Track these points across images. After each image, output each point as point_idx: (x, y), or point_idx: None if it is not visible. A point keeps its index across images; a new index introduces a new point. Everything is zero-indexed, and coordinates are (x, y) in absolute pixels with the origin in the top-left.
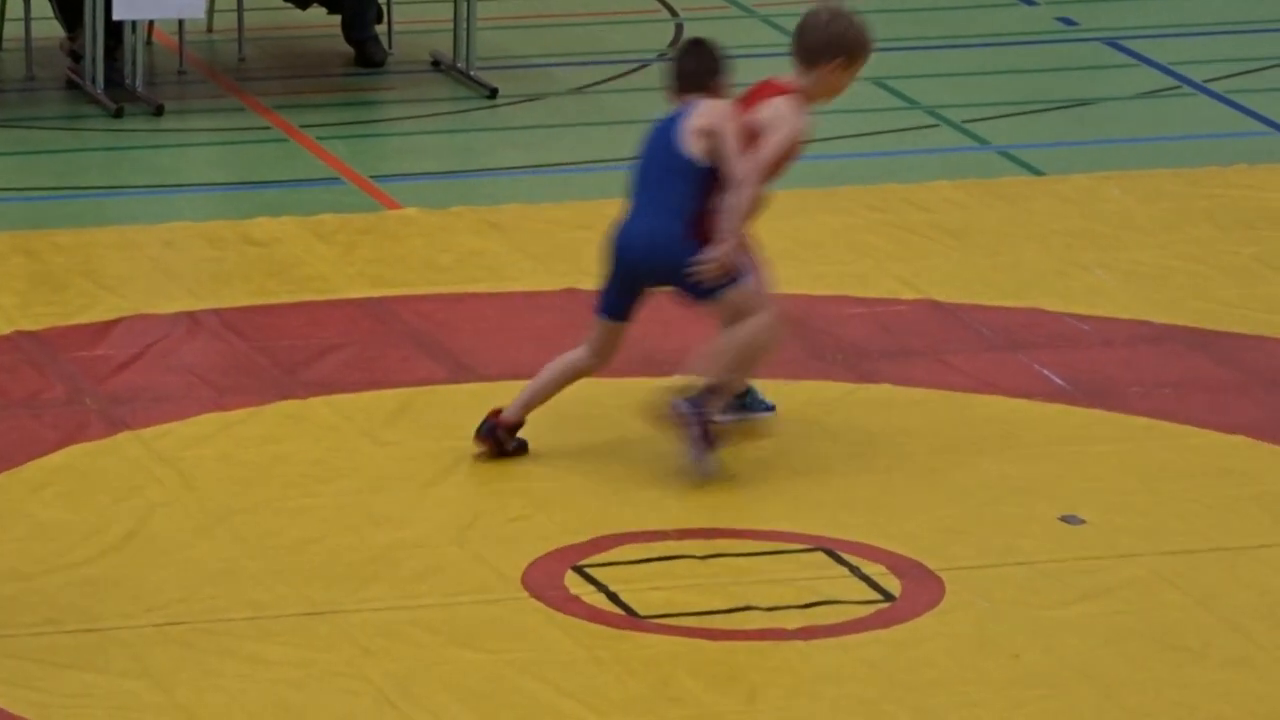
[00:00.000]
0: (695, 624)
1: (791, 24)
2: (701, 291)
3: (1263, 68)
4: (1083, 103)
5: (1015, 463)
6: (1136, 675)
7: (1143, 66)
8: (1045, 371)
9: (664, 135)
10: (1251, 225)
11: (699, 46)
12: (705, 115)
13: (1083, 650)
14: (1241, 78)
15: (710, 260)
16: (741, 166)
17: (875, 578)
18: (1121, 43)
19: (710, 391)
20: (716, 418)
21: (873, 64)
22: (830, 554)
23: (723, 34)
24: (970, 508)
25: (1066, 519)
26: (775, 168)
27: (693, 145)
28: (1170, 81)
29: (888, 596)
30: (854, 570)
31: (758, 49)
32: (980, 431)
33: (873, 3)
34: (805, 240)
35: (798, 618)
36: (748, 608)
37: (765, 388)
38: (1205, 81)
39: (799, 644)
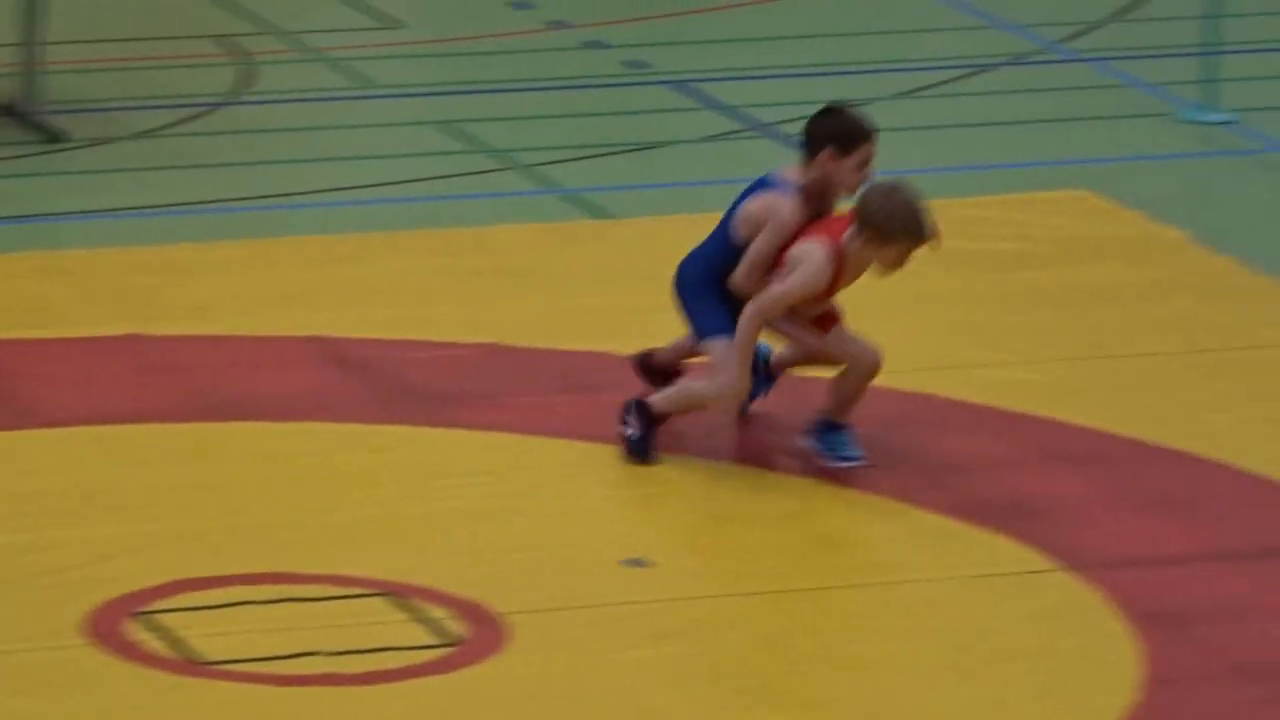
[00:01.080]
0: (258, 670)
1: (366, 67)
2: (696, 333)
3: None
4: (651, 145)
5: (579, 505)
6: (701, 717)
7: (709, 110)
8: (610, 415)
9: (744, 194)
10: None
11: (828, 112)
12: (763, 206)
13: (649, 693)
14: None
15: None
16: (752, 303)
17: (440, 621)
18: (689, 85)
19: (645, 406)
20: (626, 429)
21: (441, 107)
22: (395, 598)
23: (292, 78)
24: (537, 550)
25: (630, 562)
26: (794, 304)
27: (739, 225)
28: (737, 124)
29: (452, 641)
30: (418, 615)
31: (327, 92)
32: (543, 474)
33: (438, 48)
34: (371, 284)
35: (361, 663)
36: (311, 653)
37: (333, 432)
38: (771, 124)
39: (361, 689)
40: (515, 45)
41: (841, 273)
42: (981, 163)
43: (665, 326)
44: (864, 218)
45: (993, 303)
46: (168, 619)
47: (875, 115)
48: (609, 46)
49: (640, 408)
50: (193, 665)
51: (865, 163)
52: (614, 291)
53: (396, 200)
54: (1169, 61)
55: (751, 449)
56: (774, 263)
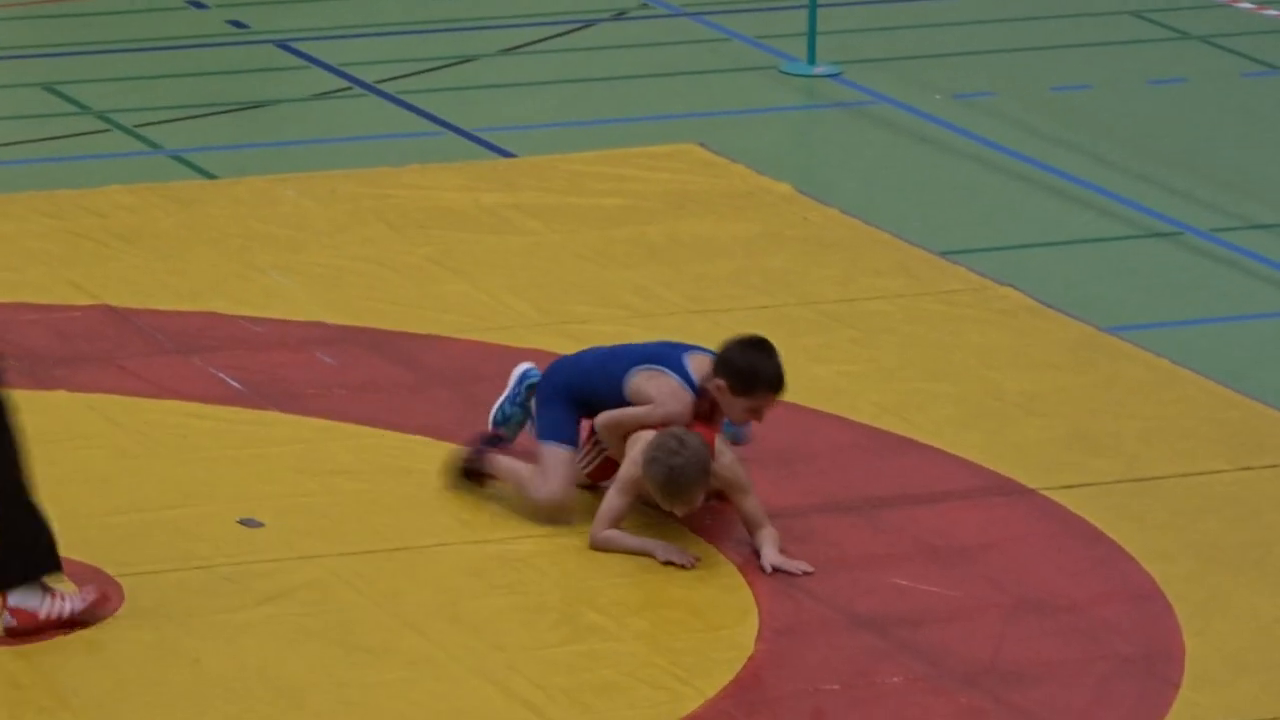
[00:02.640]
0: None
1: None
2: (537, 431)
3: (431, 69)
4: (256, 105)
5: (192, 466)
6: (317, 677)
7: (314, 68)
8: (221, 374)
9: (645, 352)
10: (424, 225)
11: (752, 346)
12: (661, 393)
13: (264, 653)
14: (411, 79)
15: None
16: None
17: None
18: (292, 45)
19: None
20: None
21: (43, 69)
22: None
23: None
24: (148, 512)
25: (245, 522)
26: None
27: (631, 394)
28: (341, 83)
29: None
30: None
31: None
32: (156, 436)
33: (39, 9)
34: None
35: None
36: None
37: None
38: (376, 82)
39: None
40: (116, 6)
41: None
42: (588, 119)
43: (271, 286)
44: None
45: (600, 257)
46: None
47: (481, 73)
48: (209, 7)
49: (479, 450)
50: None
51: (757, 411)
52: (223, 252)
53: (3, 164)
54: (771, 15)
55: (351, 408)
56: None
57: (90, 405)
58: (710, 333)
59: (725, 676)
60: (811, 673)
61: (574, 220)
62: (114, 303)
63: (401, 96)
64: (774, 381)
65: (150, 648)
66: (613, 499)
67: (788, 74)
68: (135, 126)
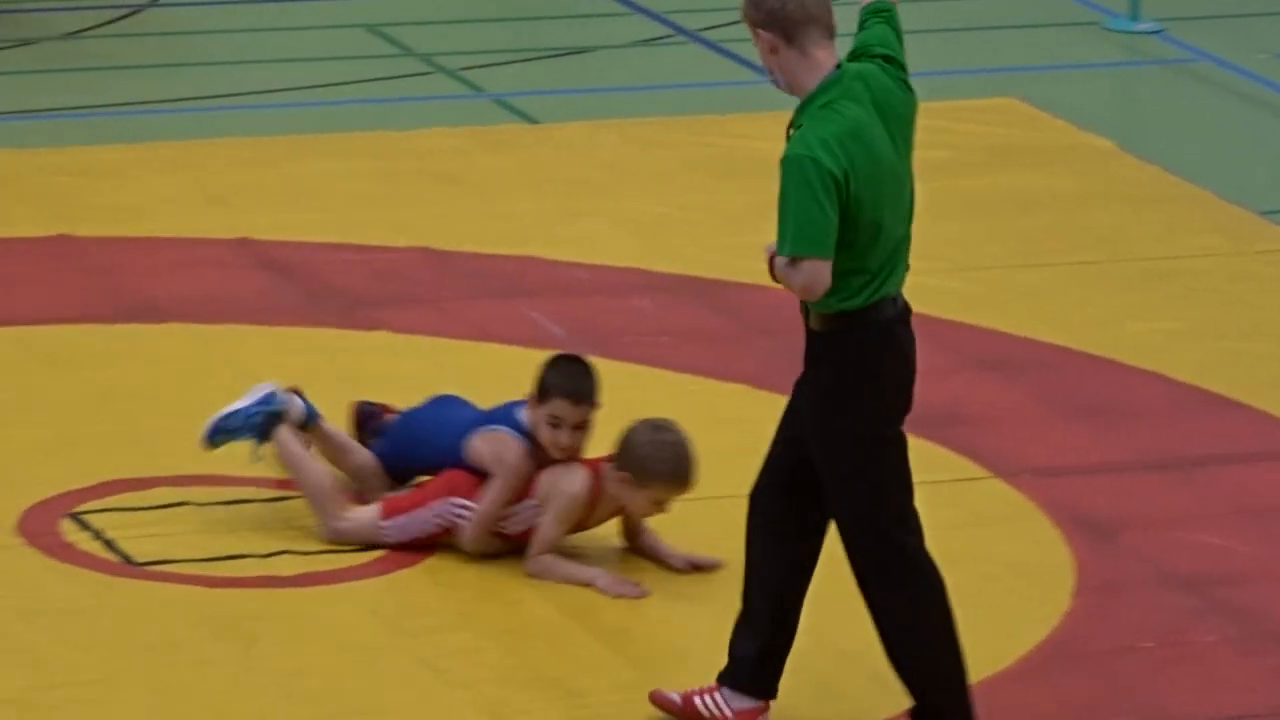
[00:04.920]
0: (193, 571)
1: None
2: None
3: None
4: (579, 50)
5: None
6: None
7: (636, 15)
8: (541, 319)
9: (485, 413)
10: (747, 174)
11: (564, 362)
12: (490, 450)
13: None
14: (732, 27)
15: None
16: (529, 562)
17: None
18: None
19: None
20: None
21: (367, 11)
22: None
23: None
24: None
25: None
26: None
27: (472, 453)
28: (664, 29)
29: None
30: None
31: None
32: (478, 380)
33: None
34: (300, 187)
35: (296, 564)
36: (245, 555)
37: (262, 335)
38: (698, 30)
39: (296, 591)
40: None
41: (594, 505)
42: (910, 71)
43: (592, 232)
44: (626, 456)
45: (922, 210)
46: (100, 519)
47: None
48: None
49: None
50: (125, 566)
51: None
52: (543, 196)
53: (324, 103)
54: None
55: (671, 356)
56: (515, 500)
57: (411, 347)
58: (1034, 287)
59: (1041, 633)
60: (1126, 630)
61: None
62: (435, 245)
63: (723, 44)
64: (574, 390)
65: (469, 588)
66: (549, 527)
67: (1110, 30)
68: (459, 70)
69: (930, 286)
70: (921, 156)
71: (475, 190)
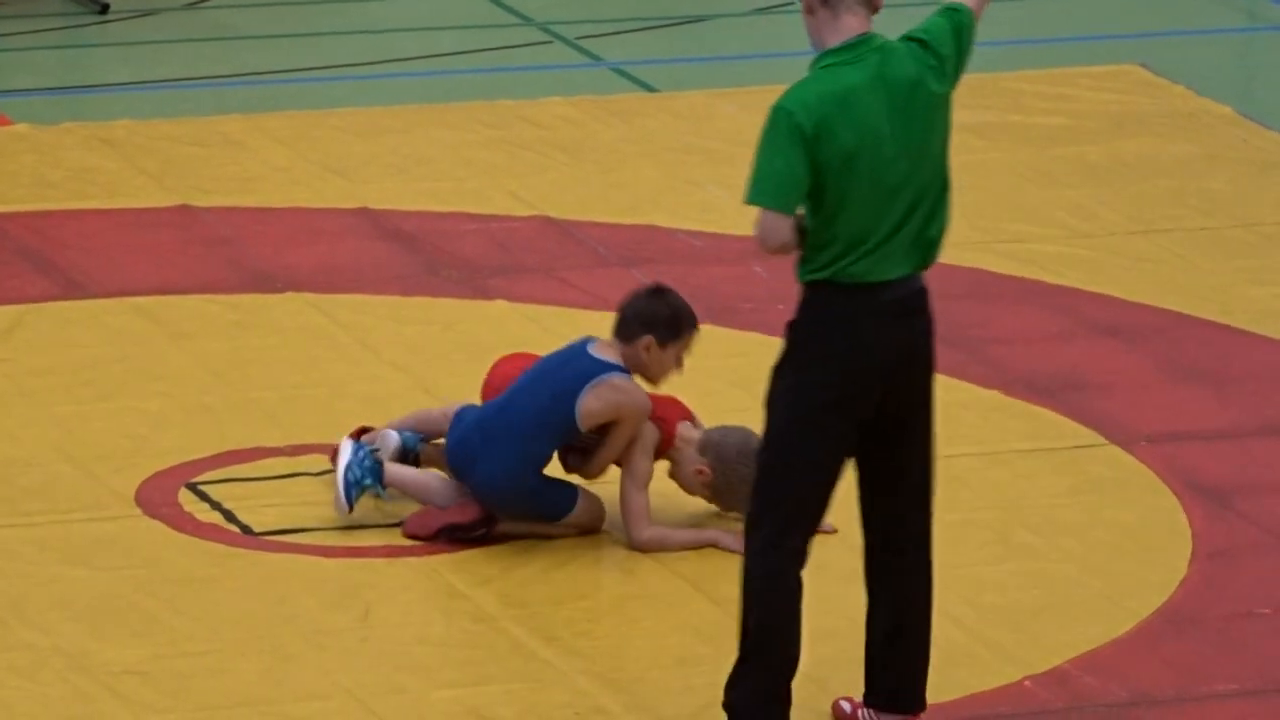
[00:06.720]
0: (310, 541)
1: None
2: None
3: None
4: (696, 19)
5: None
6: None
7: None
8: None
9: (557, 374)
10: None
11: (657, 293)
12: (613, 397)
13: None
14: None
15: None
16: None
17: None
18: None
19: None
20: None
21: None
22: None
23: None
24: None
25: None
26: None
27: (584, 417)
28: None
29: None
30: None
31: None
32: None
33: None
34: (418, 156)
35: None
36: (362, 525)
37: (382, 305)
38: None
39: (412, 560)
40: None
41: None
42: (1029, 37)
43: (709, 201)
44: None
45: (1040, 177)
46: (218, 490)
47: None
48: None
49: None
50: (244, 536)
51: (681, 357)
52: (661, 165)
53: (442, 72)
54: None
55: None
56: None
57: (530, 316)
58: (1151, 253)
59: (1158, 599)
60: (1243, 596)
61: (1014, 138)
62: (553, 214)
63: None
64: (693, 316)
65: (610, 564)
66: (636, 497)
67: None
68: (577, 39)
69: (1048, 253)
70: (1040, 123)
71: (593, 159)
